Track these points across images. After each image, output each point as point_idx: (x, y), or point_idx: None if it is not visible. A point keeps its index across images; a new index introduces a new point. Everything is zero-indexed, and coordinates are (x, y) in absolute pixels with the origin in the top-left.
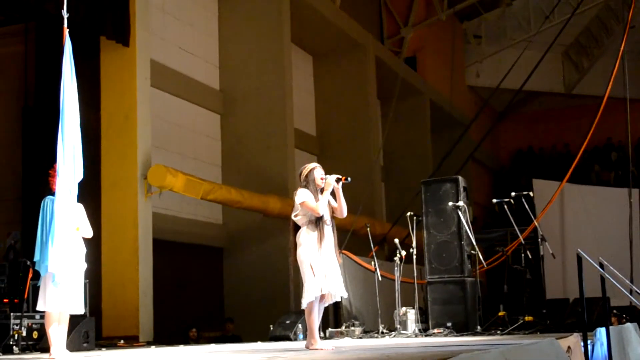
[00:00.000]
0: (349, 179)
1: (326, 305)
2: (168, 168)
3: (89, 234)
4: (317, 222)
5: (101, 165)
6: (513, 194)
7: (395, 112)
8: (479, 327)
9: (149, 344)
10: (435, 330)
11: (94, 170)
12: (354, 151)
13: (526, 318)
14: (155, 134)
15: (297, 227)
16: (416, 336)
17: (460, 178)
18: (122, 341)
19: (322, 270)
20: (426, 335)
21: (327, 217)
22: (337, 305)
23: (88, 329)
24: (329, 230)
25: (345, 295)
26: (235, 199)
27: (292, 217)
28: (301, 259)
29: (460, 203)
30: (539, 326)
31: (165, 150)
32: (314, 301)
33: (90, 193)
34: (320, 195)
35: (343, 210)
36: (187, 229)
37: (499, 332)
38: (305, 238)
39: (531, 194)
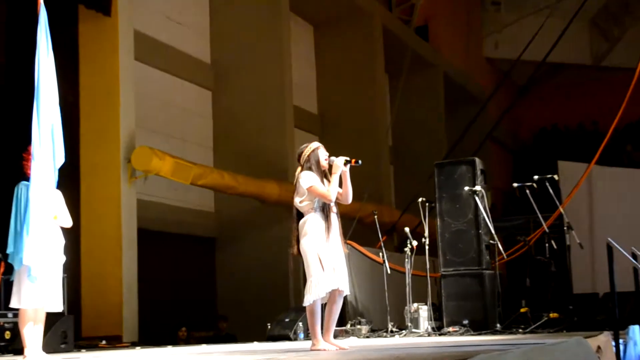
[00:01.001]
0: (360, 161)
1: (340, 300)
2: (154, 150)
3: (68, 223)
4: (324, 209)
5: (80, 147)
6: (536, 177)
7: (405, 87)
8: (498, 325)
9: (133, 344)
10: (450, 329)
11: (72, 154)
12: (360, 131)
13: (551, 315)
14: (139, 112)
15: (299, 215)
16: (429, 335)
17: (477, 160)
18: (103, 342)
19: (331, 263)
20: (440, 334)
21: (333, 204)
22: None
23: (66, 328)
24: (334, 218)
25: (348, 292)
26: (228, 184)
27: (296, 203)
28: (306, 250)
29: (478, 187)
30: (565, 324)
31: (150, 130)
32: (318, 299)
33: (68, 178)
34: (330, 178)
35: (348, 196)
36: (176, 218)
37: (520, 330)
38: (312, 227)
39: (556, 177)
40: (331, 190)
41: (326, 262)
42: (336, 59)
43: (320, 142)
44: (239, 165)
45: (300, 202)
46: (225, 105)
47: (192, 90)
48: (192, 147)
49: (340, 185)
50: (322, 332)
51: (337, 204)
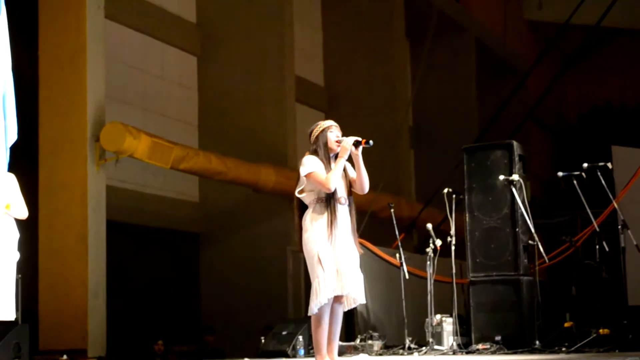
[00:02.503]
0: (371, 142)
1: (345, 310)
2: (127, 127)
3: (23, 213)
4: (327, 200)
5: (39, 123)
6: (585, 165)
7: (430, 55)
8: (537, 343)
9: (100, 359)
10: (480, 346)
11: (29, 130)
12: (374, 107)
13: (601, 331)
14: (110, 81)
15: (303, 207)
16: (454, 353)
17: (515, 144)
18: (64, 356)
19: (333, 264)
20: (467, 353)
21: (343, 194)
22: (349, 311)
23: (20, 340)
24: (344, 211)
25: (364, 301)
26: (216, 168)
27: (296, 194)
28: (307, 249)
29: (515, 177)
30: (618, 342)
31: (124, 103)
32: (325, 306)
33: (24, 160)
34: (332, 164)
35: (364, 184)
36: (153, 208)
37: (564, 349)
38: (312, 221)
39: (609, 165)
40: (331, 177)
41: (327, 263)
42: (347, 20)
43: (328, 119)
44: (229, 146)
45: (300, 192)
46: (213, 74)
47: (174, 56)
48: (174, 124)
49: (355, 171)
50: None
51: (353, 193)
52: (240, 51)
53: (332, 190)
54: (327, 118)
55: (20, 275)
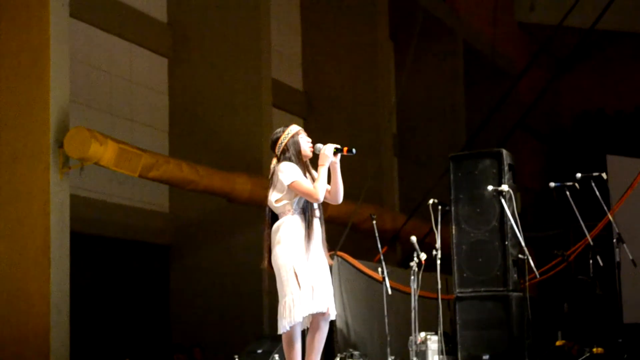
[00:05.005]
0: (354, 150)
1: (327, 322)
2: (93, 132)
3: None
4: (305, 211)
5: None
6: (579, 175)
7: (416, 58)
8: None
9: None
10: None
11: None
12: (356, 113)
13: (594, 350)
14: (75, 84)
15: (274, 217)
16: None
17: (504, 152)
18: None
19: (310, 280)
20: None
21: (316, 205)
22: (329, 329)
23: None
24: (317, 223)
25: (334, 316)
26: (187, 177)
27: (271, 202)
28: (280, 263)
29: (505, 187)
30: None
31: (89, 107)
32: (297, 325)
33: None
34: (312, 173)
35: (338, 194)
36: (120, 219)
37: None
38: (288, 233)
39: (604, 175)
40: (319, 187)
41: (304, 278)
42: (327, 21)
43: (306, 125)
44: (202, 154)
45: (277, 200)
46: (185, 76)
47: (143, 57)
48: (142, 129)
49: (328, 180)
50: None
51: (323, 205)
52: (214, 53)
53: (321, 201)
54: (305, 125)
55: None
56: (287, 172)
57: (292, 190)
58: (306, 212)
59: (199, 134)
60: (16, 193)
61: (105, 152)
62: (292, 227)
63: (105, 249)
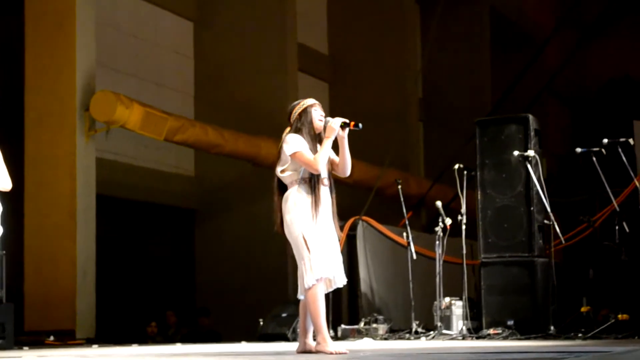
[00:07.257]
0: (360, 125)
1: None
2: (119, 95)
3: (7, 185)
4: (311, 181)
5: (24, 91)
6: (605, 140)
7: (442, 22)
8: (552, 328)
9: (89, 342)
10: (491, 331)
11: (14, 99)
12: (382, 77)
13: (620, 316)
14: (101, 48)
15: (282, 187)
16: (464, 338)
17: (530, 117)
18: (51, 337)
19: (318, 245)
20: (478, 338)
21: (325, 175)
22: (354, 294)
23: (4, 320)
24: (326, 192)
25: (345, 281)
26: (213, 141)
27: (277, 173)
28: (290, 231)
29: (530, 153)
30: (638, 327)
31: (115, 70)
32: (319, 284)
33: (8, 130)
34: (318, 145)
35: (346, 167)
36: (146, 183)
37: (580, 335)
38: (295, 202)
39: (631, 141)
40: (319, 158)
41: (313, 244)
42: None
43: (332, 90)
44: (227, 117)
45: (282, 171)
46: (211, 40)
47: (169, 21)
48: (168, 93)
49: (338, 153)
50: (305, 332)
51: (333, 176)
52: (239, 16)
53: (320, 172)
54: (331, 90)
55: (4, 251)
56: (291, 143)
57: (294, 160)
58: (312, 182)
59: (225, 97)
60: (43, 156)
61: (131, 116)
62: (299, 197)
63: (131, 212)
